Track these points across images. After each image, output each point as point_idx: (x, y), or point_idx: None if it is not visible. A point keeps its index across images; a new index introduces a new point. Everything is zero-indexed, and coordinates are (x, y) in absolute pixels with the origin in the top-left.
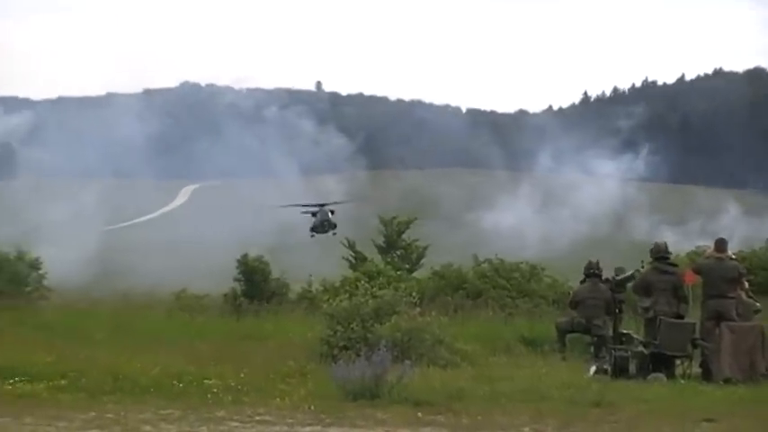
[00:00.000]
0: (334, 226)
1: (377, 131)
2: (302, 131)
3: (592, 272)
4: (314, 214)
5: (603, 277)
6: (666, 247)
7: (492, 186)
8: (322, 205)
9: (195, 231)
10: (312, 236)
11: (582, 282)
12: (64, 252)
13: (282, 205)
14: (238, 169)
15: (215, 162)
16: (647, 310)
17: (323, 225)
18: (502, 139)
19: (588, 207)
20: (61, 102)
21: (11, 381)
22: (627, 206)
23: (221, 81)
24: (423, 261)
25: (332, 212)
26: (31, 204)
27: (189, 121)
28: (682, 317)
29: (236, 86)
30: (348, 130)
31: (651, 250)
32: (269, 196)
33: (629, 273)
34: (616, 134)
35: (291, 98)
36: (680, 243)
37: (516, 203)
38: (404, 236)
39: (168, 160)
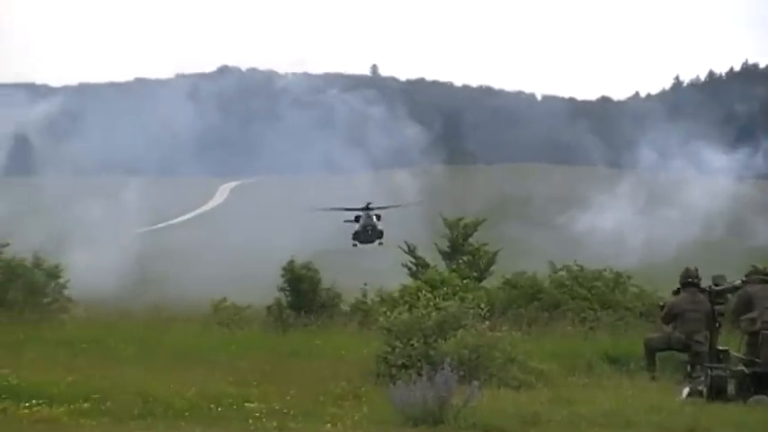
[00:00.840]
0: (380, 234)
1: (451, 120)
2: (368, 120)
3: (689, 281)
4: (356, 219)
5: (702, 287)
6: None
7: (586, 183)
8: (367, 208)
9: (234, 234)
10: (354, 245)
11: (676, 292)
12: (87, 258)
13: (318, 209)
14: (291, 163)
15: (265, 155)
16: (753, 321)
17: (366, 232)
18: (592, 129)
19: (699, 208)
20: (85, 89)
21: (27, 404)
22: (744, 207)
23: (263, 65)
24: (493, 268)
25: (378, 217)
26: (55, 205)
27: (232, 109)
28: None
29: (281, 71)
30: (420, 119)
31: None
32: (319, 194)
33: (735, 282)
34: (728, 123)
35: (348, 83)
36: None
37: (615, 203)
38: (471, 239)
39: (212, 154)
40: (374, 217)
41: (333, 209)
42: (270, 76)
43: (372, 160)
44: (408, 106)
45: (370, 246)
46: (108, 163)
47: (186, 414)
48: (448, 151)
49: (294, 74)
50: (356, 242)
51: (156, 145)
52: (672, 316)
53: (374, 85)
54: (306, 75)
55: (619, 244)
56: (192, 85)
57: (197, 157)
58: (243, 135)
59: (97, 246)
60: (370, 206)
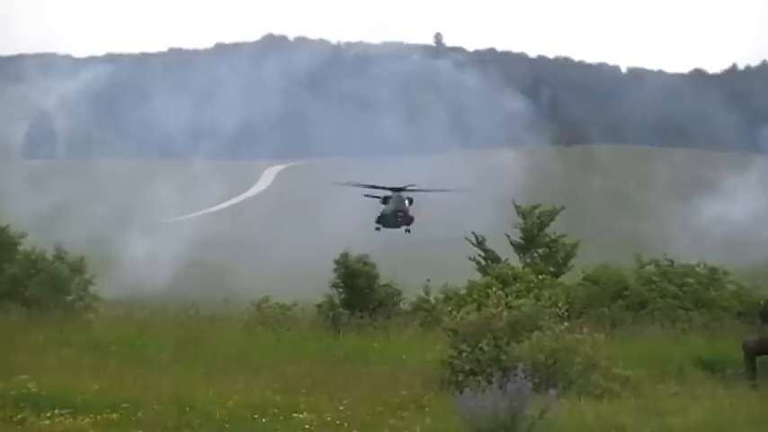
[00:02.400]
0: (410, 220)
1: (542, 95)
2: (452, 93)
3: None
4: (385, 200)
5: None
6: None
7: (708, 168)
8: (399, 189)
9: (280, 223)
10: (377, 228)
11: None
12: (116, 250)
13: (346, 183)
14: (352, 144)
15: (319, 136)
16: None
17: (395, 216)
18: (708, 105)
19: None
20: (115, 60)
21: (49, 414)
22: None
23: (312, 33)
24: (572, 262)
25: (410, 201)
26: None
27: (286, 83)
28: None
29: (333, 40)
30: (505, 93)
31: None
32: (372, 177)
33: None
34: None
35: (411, 53)
36: None
37: (745, 191)
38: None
39: (262, 134)
40: (406, 201)
41: (360, 185)
42: (317, 45)
43: (460, 138)
44: (482, 79)
45: (431, 237)
46: (146, 146)
47: (227, 425)
48: (551, 129)
49: (348, 43)
50: (380, 225)
51: (196, 125)
52: None
53: (439, 55)
54: (361, 43)
55: (748, 236)
56: (234, 56)
57: (248, 139)
58: (297, 113)
59: (120, 237)
60: (409, 188)
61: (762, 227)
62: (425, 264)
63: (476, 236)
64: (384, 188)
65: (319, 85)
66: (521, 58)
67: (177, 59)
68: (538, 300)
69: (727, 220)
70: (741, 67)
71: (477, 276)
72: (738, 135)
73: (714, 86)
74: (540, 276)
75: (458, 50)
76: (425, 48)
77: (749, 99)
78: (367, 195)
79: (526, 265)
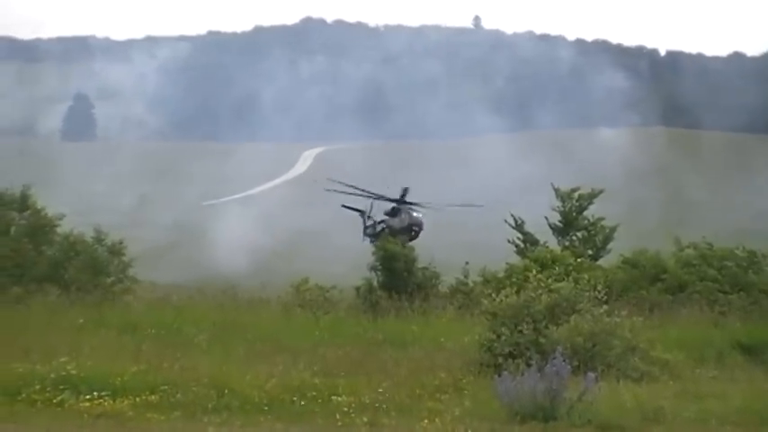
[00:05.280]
0: (412, 230)
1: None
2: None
3: None
4: (393, 212)
5: None
6: None
7: None
8: (405, 201)
9: (319, 206)
10: (367, 240)
11: None
12: (151, 234)
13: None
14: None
15: (407, 117)
16: None
17: (410, 230)
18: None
19: None
20: (151, 43)
21: (88, 396)
22: None
23: (350, 16)
24: (611, 246)
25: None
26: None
27: (371, 67)
28: None
29: (371, 23)
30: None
31: None
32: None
33: None
34: None
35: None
36: None
37: None
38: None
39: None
40: (419, 213)
41: (352, 187)
42: (355, 28)
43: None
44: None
45: (475, 220)
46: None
47: (265, 408)
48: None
49: (387, 26)
50: (374, 238)
51: (233, 107)
52: None
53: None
54: (400, 27)
55: None
56: (273, 40)
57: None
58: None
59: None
60: (405, 198)
61: None
62: (463, 246)
63: (515, 218)
64: (386, 198)
65: (402, 68)
66: (558, 40)
67: (214, 41)
68: (576, 283)
69: None
70: None
71: (516, 259)
72: None
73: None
74: (579, 259)
75: (496, 32)
76: (462, 30)
77: None
78: (346, 207)
79: (565, 248)
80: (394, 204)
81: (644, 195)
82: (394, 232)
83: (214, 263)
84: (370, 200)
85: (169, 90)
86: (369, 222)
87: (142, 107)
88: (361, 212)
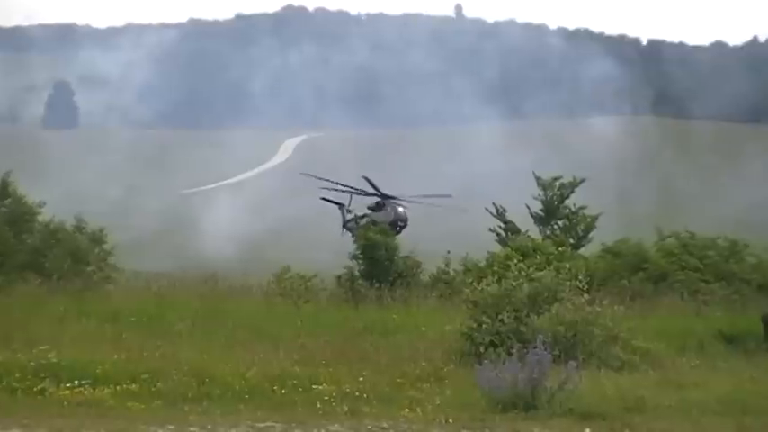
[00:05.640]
0: (398, 226)
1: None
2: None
3: None
4: (378, 207)
5: None
6: None
7: None
8: (388, 197)
9: (301, 194)
10: (353, 236)
11: None
12: (130, 220)
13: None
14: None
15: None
16: None
17: (395, 226)
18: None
19: None
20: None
21: (69, 384)
22: None
23: (332, 4)
24: (592, 235)
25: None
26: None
27: (363, 56)
28: None
29: (353, 11)
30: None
31: None
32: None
33: None
34: None
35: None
36: None
37: None
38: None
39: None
40: (405, 209)
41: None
42: (341, 16)
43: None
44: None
45: (445, 209)
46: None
47: (246, 397)
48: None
49: (369, 14)
50: (352, 231)
51: (213, 95)
52: None
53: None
54: (382, 15)
55: None
56: (254, 27)
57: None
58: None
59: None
60: (401, 198)
61: None
62: (445, 235)
63: (496, 207)
64: (372, 194)
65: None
66: (540, 29)
67: (195, 29)
68: (558, 272)
69: None
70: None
71: (497, 248)
72: None
73: None
74: (560, 248)
75: (477, 21)
76: (444, 19)
77: None
78: (325, 199)
79: (546, 237)
80: (378, 198)
81: (632, 185)
82: (379, 226)
83: (196, 251)
84: (350, 192)
85: (153, 78)
86: (349, 216)
87: (126, 95)
88: (341, 205)
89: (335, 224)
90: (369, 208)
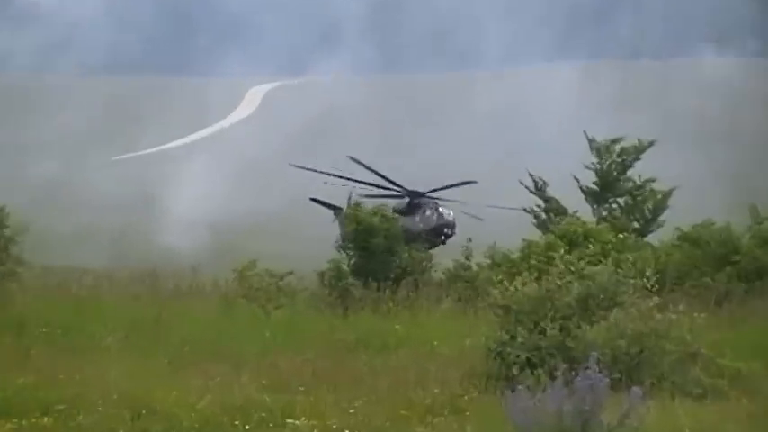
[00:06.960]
0: (442, 235)
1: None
2: None
3: None
4: (410, 209)
5: None
6: None
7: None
8: (418, 193)
9: (269, 161)
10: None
11: None
12: (42, 196)
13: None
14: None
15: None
16: None
17: (439, 234)
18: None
19: None
20: None
21: None
22: None
23: None
24: (664, 217)
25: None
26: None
27: None
28: None
29: None
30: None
31: None
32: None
33: None
34: None
35: None
36: None
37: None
38: (631, 172)
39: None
40: (450, 210)
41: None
42: None
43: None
44: None
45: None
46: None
47: None
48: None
49: None
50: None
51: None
52: None
53: None
54: None
55: None
56: None
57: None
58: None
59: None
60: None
61: None
62: (464, 217)
63: (533, 179)
64: (393, 188)
65: None
66: None
67: None
68: (618, 267)
69: None
70: None
71: (536, 235)
72: None
73: None
74: (621, 235)
75: None
76: None
77: None
78: (316, 201)
79: (602, 219)
80: (408, 197)
81: (749, 152)
82: (412, 238)
83: (129, 240)
84: (351, 190)
85: (104, 14)
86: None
87: (67, 34)
88: (337, 210)
89: (319, 215)
90: (395, 211)
